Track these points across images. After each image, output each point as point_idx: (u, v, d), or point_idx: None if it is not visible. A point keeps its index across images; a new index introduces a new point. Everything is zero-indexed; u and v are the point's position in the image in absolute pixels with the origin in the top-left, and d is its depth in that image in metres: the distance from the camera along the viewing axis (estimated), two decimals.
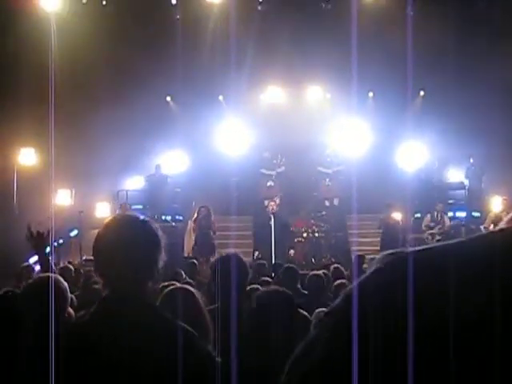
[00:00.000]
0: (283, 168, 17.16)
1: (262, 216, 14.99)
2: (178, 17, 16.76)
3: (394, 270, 0.86)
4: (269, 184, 16.95)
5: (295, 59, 16.27)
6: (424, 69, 14.20)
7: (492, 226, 12.87)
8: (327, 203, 16.91)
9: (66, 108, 13.34)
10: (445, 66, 15.05)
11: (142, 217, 2.57)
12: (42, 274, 3.97)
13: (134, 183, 17.34)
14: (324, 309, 3.89)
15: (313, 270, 8.91)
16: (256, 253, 14.09)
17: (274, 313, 3.44)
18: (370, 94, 17.52)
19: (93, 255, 2.52)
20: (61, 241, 14.39)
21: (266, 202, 15.63)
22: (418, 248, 0.88)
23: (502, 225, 0.92)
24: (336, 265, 9.31)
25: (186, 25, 15.93)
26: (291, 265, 8.02)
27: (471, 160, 16.57)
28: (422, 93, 17.33)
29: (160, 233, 2.50)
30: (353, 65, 11.73)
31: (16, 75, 13.74)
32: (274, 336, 3.36)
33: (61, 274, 4.31)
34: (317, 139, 16.99)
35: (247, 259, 5.16)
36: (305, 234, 15.72)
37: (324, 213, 16.46)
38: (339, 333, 0.84)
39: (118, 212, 13.16)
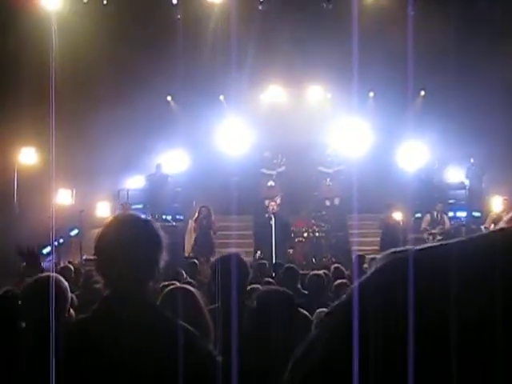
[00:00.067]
0: (284, 168, 17.17)
1: (263, 216, 15.00)
2: (179, 16, 16.76)
3: (394, 271, 0.86)
4: (269, 184, 16.95)
5: (296, 59, 16.26)
6: (425, 68, 14.19)
7: (492, 226, 12.85)
8: (328, 203, 16.91)
9: (67, 107, 13.34)
10: (445, 66, 15.03)
11: (143, 216, 2.57)
12: (42, 274, 3.97)
13: (134, 182, 17.34)
14: (324, 309, 3.89)
15: (313, 269, 8.91)
16: (258, 252, 14.09)
17: (274, 313, 3.44)
18: (371, 94, 17.52)
19: (94, 254, 2.52)
20: (61, 240, 14.41)
21: (267, 202, 15.62)
22: (419, 247, 0.88)
23: (502, 224, 0.92)
24: (336, 265, 9.32)
25: (187, 24, 15.93)
26: (291, 265, 8.02)
27: (472, 160, 16.56)
28: (422, 93, 17.33)
29: (162, 233, 2.50)
30: (353, 64, 11.73)
31: (17, 74, 13.74)
32: (274, 336, 3.37)
33: (61, 274, 4.31)
34: (317, 139, 16.99)
35: (248, 259, 5.16)
36: (305, 234, 15.71)
37: (324, 212, 16.47)
38: (340, 333, 0.85)
39: (118, 212, 13.16)
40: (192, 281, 7.24)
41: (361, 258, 10.06)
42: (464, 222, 15.32)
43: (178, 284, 4.22)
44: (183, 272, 8.68)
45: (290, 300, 3.63)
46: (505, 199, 14.54)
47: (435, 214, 15.00)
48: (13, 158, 14.85)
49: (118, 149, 15.17)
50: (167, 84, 15.88)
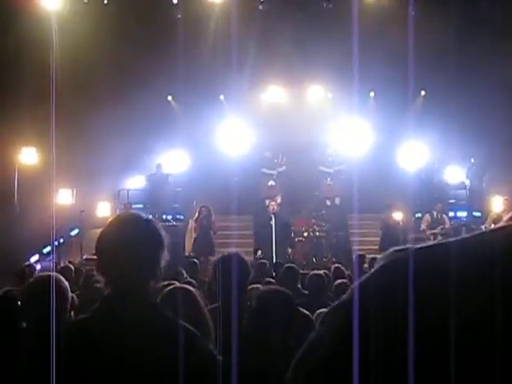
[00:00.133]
0: (284, 167, 17.16)
1: (263, 215, 14.99)
2: (180, 16, 16.76)
3: (395, 271, 0.86)
4: (270, 183, 16.95)
5: (296, 59, 16.27)
6: (425, 68, 14.19)
7: (493, 226, 12.84)
8: (328, 203, 16.91)
9: (68, 107, 13.34)
10: (446, 66, 15.03)
11: (145, 216, 2.57)
12: (42, 274, 3.97)
13: (135, 182, 17.35)
14: (325, 309, 3.89)
15: (314, 269, 8.90)
16: (259, 252, 14.08)
17: (274, 313, 3.44)
18: (372, 94, 17.52)
19: (95, 253, 2.52)
20: (61, 240, 14.41)
21: (267, 202, 15.62)
22: (419, 246, 0.88)
23: (502, 223, 0.92)
24: (337, 264, 9.32)
25: (188, 24, 15.93)
26: (292, 264, 8.01)
27: (472, 160, 16.55)
28: (423, 92, 17.32)
29: (163, 232, 2.51)
30: (354, 64, 11.72)
31: (17, 74, 13.74)
32: (274, 336, 3.37)
33: (61, 274, 4.30)
34: (318, 139, 16.99)
35: (248, 258, 5.15)
36: (306, 234, 15.70)
37: (325, 212, 16.46)
38: (341, 332, 0.85)
39: (120, 211, 13.17)
40: (192, 280, 7.24)
41: (361, 258, 10.08)
42: (464, 222, 15.31)
43: (177, 284, 4.22)
44: (183, 272, 8.67)
45: (290, 300, 3.63)
46: (505, 199, 14.54)
47: (435, 214, 15.00)
48: (13, 158, 14.87)
49: (118, 149, 15.17)
50: (168, 84, 15.88)
